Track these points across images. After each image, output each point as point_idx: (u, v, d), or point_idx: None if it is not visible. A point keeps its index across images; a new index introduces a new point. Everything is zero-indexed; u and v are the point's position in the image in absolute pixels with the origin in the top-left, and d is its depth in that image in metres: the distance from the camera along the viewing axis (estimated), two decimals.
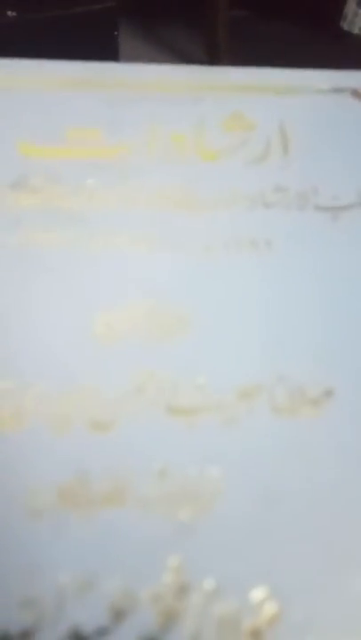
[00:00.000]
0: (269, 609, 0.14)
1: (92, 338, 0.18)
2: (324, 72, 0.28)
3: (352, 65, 0.27)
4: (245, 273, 0.20)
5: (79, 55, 0.24)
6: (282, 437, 0.17)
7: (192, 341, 0.18)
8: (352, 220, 0.22)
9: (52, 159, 0.22)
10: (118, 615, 0.13)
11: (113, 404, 0.17)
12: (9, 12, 0.79)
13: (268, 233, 0.21)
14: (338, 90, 0.27)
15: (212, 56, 0.77)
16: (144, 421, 0.16)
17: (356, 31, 0.72)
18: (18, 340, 0.17)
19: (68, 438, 0.16)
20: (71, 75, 0.24)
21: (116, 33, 0.62)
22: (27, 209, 0.20)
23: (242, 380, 0.18)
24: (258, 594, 0.14)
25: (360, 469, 0.16)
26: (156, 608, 0.13)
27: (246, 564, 0.14)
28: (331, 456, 0.16)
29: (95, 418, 0.16)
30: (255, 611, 0.14)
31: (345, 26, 0.77)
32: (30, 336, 0.17)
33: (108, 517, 0.15)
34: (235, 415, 0.17)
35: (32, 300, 0.18)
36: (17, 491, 0.15)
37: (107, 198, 0.21)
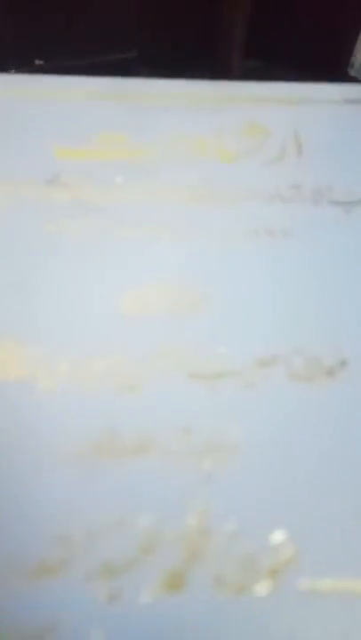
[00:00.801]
0: (287, 551, 0.14)
1: (120, 312, 0.19)
2: (335, 85, 0.30)
3: None
4: (263, 257, 0.21)
5: None
6: (298, 401, 0.17)
7: (213, 316, 0.19)
8: None
9: (82, 160, 0.23)
10: (145, 551, 0.14)
11: (139, 370, 0.18)
12: (36, 61, 0.83)
13: (284, 224, 0.23)
14: (349, 101, 0.29)
15: None
16: (168, 385, 0.17)
17: None
18: (53, 312, 0.19)
19: (98, 398, 0.17)
20: (98, 88, 0.27)
21: None
22: (60, 202, 0.22)
23: (260, 350, 0.19)
24: (276, 537, 0.15)
25: None
26: (180, 546, 0.14)
27: (265, 510, 0.15)
28: (343, 418, 0.17)
29: (122, 381, 0.17)
30: (274, 552, 0.14)
31: (352, 72, 0.80)
32: (65, 310, 0.19)
33: (136, 466, 0.15)
34: (253, 381, 0.18)
35: (66, 280, 0.19)
36: (51, 441, 0.16)
37: (132, 193, 0.23)
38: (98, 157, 0.23)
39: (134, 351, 0.18)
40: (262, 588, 0.14)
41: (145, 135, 0.25)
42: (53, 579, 0.14)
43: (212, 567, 0.14)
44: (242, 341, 0.19)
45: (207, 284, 0.20)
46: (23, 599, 0.13)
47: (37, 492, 0.15)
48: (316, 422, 0.17)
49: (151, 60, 0.82)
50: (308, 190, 0.24)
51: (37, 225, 0.21)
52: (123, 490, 0.15)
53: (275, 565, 0.14)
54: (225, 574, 0.14)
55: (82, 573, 0.14)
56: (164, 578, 0.14)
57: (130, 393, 0.17)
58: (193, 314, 0.19)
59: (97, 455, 0.16)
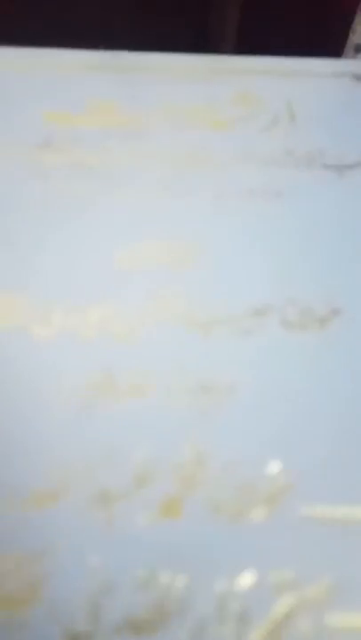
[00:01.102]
0: (283, 479, 0.15)
1: (114, 265, 0.19)
2: (326, 60, 0.30)
3: None
4: (257, 215, 0.21)
5: None
6: (291, 347, 0.18)
7: (207, 269, 0.19)
8: (357, 176, 0.24)
9: (73, 126, 0.24)
10: (142, 481, 0.14)
11: (134, 318, 0.18)
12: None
13: (278, 186, 0.23)
14: (339, 74, 0.29)
15: None
16: (163, 331, 0.18)
17: None
18: (47, 266, 0.19)
19: (94, 343, 0.17)
20: (90, 60, 0.27)
21: None
22: (52, 164, 0.22)
23: (254, 300, 0.19)
24: (272, 467, 0.15)
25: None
26: (176, 476, 0.14)
27: (260, 443, 0.15)
28: (335, 361, 0.18)
29: (118, 328, 0.18)
30: (270, 481, 0.15)
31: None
32: (58, 264, 0.19)
33: (133, 405, 0.16)
34: (247, 328, 0.18)
35: (59, 237, 0.20)
36: (49, 382, 0.16)
37: (125, 156, 0.23)
38: (89, 124, 0.24)
39: (129, 301, 0.18)
40: (259, 514, 0.14)
41: (137, 104, 0.25)
42: (51, 506, 0.14)
43: (209, 495, 0.14)
44: (236, 292, 0.19)
45: (201, 239, 0.20)
46: (21, 525, 0.13)
47: (36, 426, 0.15)
48: (310, 366, 0.17)
49: None
50: (302, 155, 0.24)
51: (30, 185, 0.21)
52: (120, 425, 0.15)
53: (271, 493, 0.14)
54: (221, 501, 0.14)
55: (79, 501, 0.14)
56: (161, 505, 0.14)
57: (126, 339, 0.17)
58: (187, 266, 0.20)
59: (94, 395, 0.16)
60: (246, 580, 0.13)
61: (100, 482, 0.14)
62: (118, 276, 0.19)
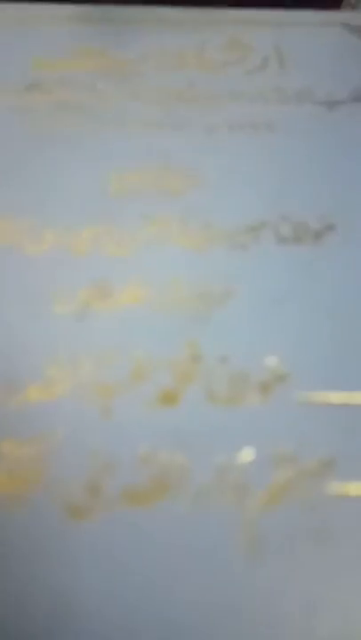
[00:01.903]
0: (279, 370, 0.15)
1: (105, 191, 0.19)
2: (315, 12, 0.31)
3: None
4: (249, 144, 0.21)
5: None
6: (286, 258, 0.18)
7: (200, 194, 0.20)
8: (347, 112, 0.24)
9: (61, 70, 0.24)
10: (139, 376, 0.14)
11: (127, 237, 0.18)
12: None
13: (269, 120, 0.23)
14: (328, 23, 0.30)
15: None
16: (157, 249, 0.18)
17: None
18: (37, 193, 0.19)
19: (87, 260, 0.17)
20: (78, 13, 0.27)
21: None
22: (42, 104, 0.22)
23: (248, 219, 0.19)
24: (268, 360, 0.15)
25: (356, 288, 0.18)
26: (173, 370, 0.15)
27: (256, 342, 0.15)
28: (330, 272, 0.18)
29: (110, 247, 0.18)
30: (265, 371, 0.15)
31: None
32: (49, 190, 0.19)
33: (129, 310, 0.16)
34: (242, 243, 0.18)
35: (50, 167, 0.20)
36: (43, 293, 0.16)
37: (115, 95, 0.23)
38: (78, 68, 0.24)
39: (124, 223, 0.18)
40: (254, 400, 0.14)
41: (125, 50, 0.25)
42: (49, 398, 0.14)
43: (205, 385, 0.14)
44: (230, 214, 0.19)
45: (195, 167, 0.20)
46: (20, 414, 0.14)
47: (32, 329, 0.15)
48: (305, 273, 0.17)
49: None
50: (291, 93, 0.24)
51: (20, 122, 0.21)
52: (116, 328, 0.15)
53: (267, 381, 0.14)
54: (217, 391, 0.14)
55: (78, 394, 0.14)
56: (158, 396, 0.14)
57: (119, 255, 0.18)
58: (182, 192, 0.20)
59: (89, 302, 0.16)
60: (245, 455, 0.13)
61: (99, 377, 0.14)
62: (112, 201, 0.19)
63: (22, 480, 0.13)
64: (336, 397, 0.14)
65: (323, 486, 0.13)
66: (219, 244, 0.18)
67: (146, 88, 0.24)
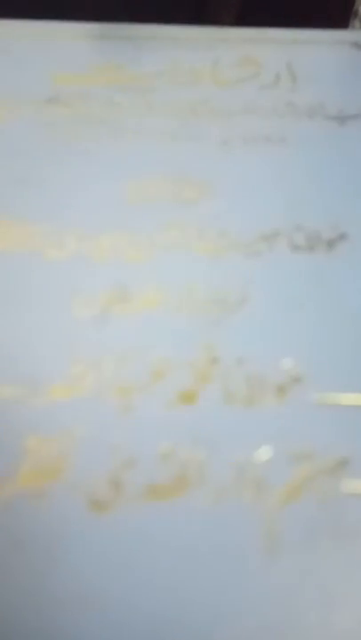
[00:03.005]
0: (295, 372, 0.15)
1: (122, 199, 0.20)
2: (326, 31, 0.31)
3: None
4: (262, 156, 0.22)
5: None
6: (299, 266, 0.18)
7: (215, 203, 0.20)
8: (357, 126, 0.25)
9: (80, 84, 0.25)
10: (158, 376, 0.15)
11: (144, 244, 0.19)
12: None
13: (282, 133, 0.24)
14: (338, 42, 0.30)
15: None
16: (173, 256, 0.18)
17: None
18: (57, 199, 0.20)
19: (106, 265, 0.18)
20: (94, 31, 0.28)
21: None
22: (61, 116, 0.23)
23: (262, 228, 0.19)
24: (284, 362, 0.15)
25: None
26: (190, 371, 0.15)
27: (272, 346, 0.16)
28: (342, 279, 0.18)
29: (129, 253, 0.18)
30: (282, 373, 0.15)
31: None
32: (67, 196, 0.20)
33: (147, 315, 0.16)
34: (256, 251, 0.19)
35: (67, 175, 0.21)
36: (63, 297, 0.17)
37: (132, 108, 0.24)
38: (96, 82, 0.25)
39: (140, 230, 0.19)
40: (271, 400, 0.14)
41: (142, 66, 0.26)
42: (70, 397, 0.14)
43: (222, 386, 0.15)
44: (245, 222, 0.20)
45: (209, 177, 0.21)
46: (42, 412, 0.14)
47: (55, 331, 0.15)
48: (318, 281, 0.18)
49: None
50: (303, 107, 0.25)
51: (39, 133, 0.22)
52: (134, 331, 0.16)
53: (283, 383, 0.15)
54: (234, 392, 0.15)
55: (98, 393, 0.14)
56: (177, 395, 0.14)
57: (137, 261, 0.18)
58: (197, 201, 0.20)
59: (108, 306, 0.17)
60: (262, 453, 0.13)
61: (120, 377, 0.15)
62: (129, 209, 0.20)
63: (46, 475, 0.13)
64: (349, 398, 0.15)
65: (338, 484, 0.13)
66: (234, 252, 0.19)
67: (161, 102, 0.25)
